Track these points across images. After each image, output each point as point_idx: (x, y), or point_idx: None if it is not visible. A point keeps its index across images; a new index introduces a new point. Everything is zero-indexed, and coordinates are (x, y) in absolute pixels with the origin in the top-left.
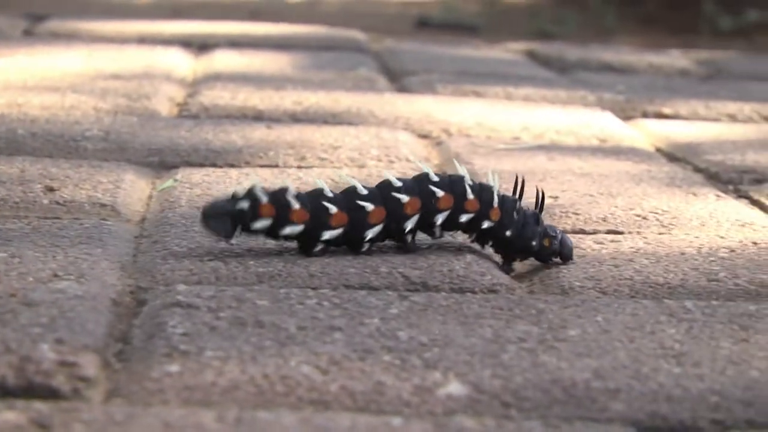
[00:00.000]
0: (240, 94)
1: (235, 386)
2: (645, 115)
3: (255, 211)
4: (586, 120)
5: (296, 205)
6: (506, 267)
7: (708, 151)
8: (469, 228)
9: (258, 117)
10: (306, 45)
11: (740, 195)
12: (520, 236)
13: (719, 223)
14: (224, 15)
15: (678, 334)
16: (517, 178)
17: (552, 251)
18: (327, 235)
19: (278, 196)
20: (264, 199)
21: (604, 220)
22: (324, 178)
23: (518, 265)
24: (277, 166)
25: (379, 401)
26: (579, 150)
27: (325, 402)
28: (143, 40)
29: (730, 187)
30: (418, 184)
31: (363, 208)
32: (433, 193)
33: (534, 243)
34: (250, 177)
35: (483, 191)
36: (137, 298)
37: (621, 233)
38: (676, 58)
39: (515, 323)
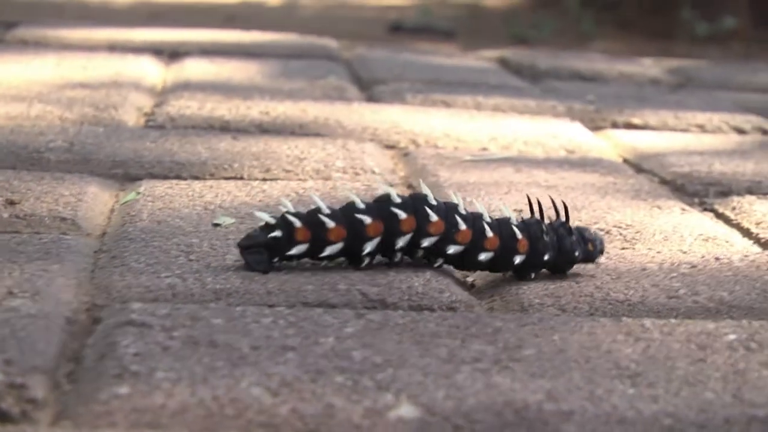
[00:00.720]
0: (207, 103)
1: (185, 409)
2: (614, 125)
3: (291, 238)
4: (554, 130)
5: (331, 224)
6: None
7: (675, 162)
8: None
9: (224, 127)
10: (276, 53)
11: (705, 208)
12: (562, 253)
13: (683, 238)
14: (201, 19)
15: (634, 353)
16: (529, 198)
17: (597, 252)
18: (369, 247)
19: (312, 218)
20: (298, 223)
21: None
22: (288, 191)
23: (479, 281)
24: (241, 178)
25: (329, 424)
26: (546, 161)
27: (275, 425)
28: (114, 47)
29: (696, 200)
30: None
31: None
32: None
33: (578, 253)
34: (214, 190)
35: (502, 227)
36: (93, 315)
37: None
38: (647, 67)
39: (471, 342)
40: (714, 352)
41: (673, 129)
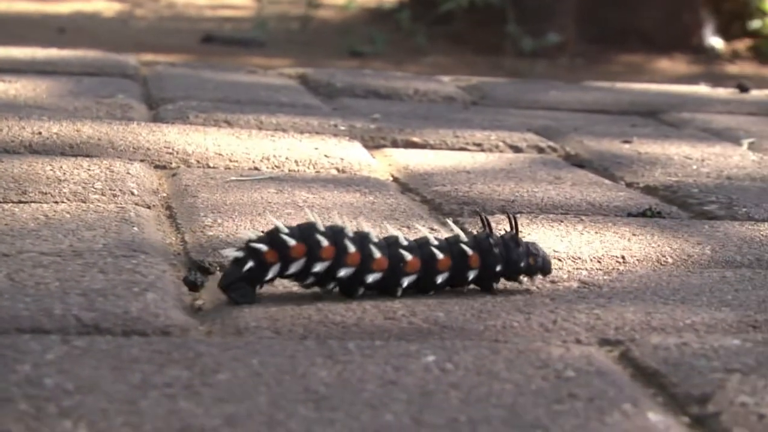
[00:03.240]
0: None
1: None
2: (395, 144)
3: (263, 264)
4: (330, 150)
5: (293, 242)
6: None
7: (439, 181)
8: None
9: None
10: (71, 70)
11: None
12: (509, 264)
13: None
14: (31, 30)
15: (329, 376)
16: (479, 213)
17: (537, 268)
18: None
19: (275, 239)
20: (265, 248)
21: None
22: (39, 215)
23: (209, 304)
24: None
25: None
26: (313, 181)
27: None
28: None
29: (450, 220)
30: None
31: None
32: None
33: (522, 264)
34: None
35: (452, 246)
36: None
37: None
38: (443, 84)
39: (168, 368)
40: (408, 374)
41: (451, 147)
